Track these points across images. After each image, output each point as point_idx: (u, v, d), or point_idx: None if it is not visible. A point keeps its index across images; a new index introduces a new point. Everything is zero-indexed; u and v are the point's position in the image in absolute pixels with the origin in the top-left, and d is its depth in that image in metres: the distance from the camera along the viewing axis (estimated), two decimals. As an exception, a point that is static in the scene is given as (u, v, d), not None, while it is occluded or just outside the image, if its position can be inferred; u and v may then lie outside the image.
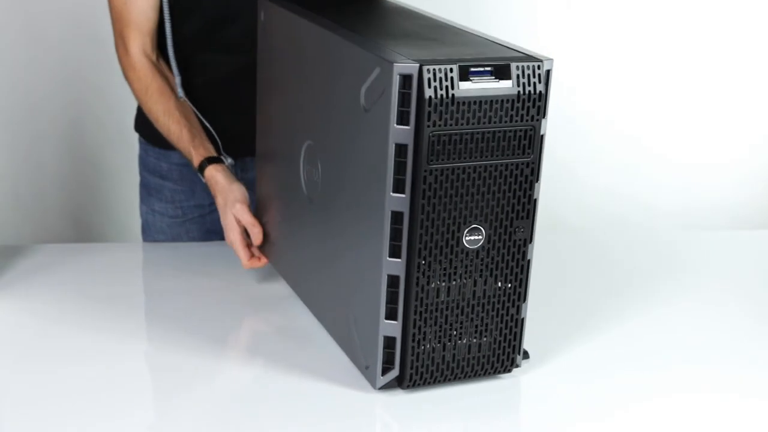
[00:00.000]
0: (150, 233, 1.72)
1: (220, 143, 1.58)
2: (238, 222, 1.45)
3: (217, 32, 1.57)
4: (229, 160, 1.54)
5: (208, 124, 1.58)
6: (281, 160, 1.41)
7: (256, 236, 1.45)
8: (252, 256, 1.46)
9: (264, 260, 1.47)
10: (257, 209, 1.52)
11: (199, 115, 1.58)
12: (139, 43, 1.56)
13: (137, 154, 1.74)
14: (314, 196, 1.30)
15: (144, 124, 1.68)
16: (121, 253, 1.66)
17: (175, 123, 1.54)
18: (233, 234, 1.45)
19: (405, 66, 1.05)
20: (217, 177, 1.48)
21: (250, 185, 1.57)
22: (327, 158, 1.25)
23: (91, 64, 2.49)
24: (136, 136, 1.74)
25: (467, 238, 1.13)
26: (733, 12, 2.81)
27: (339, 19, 1.26)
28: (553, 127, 2.86)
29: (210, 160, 1.50)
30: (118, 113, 2.29)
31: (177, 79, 1.58)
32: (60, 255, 1.59)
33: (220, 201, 1.48)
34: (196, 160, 1.51)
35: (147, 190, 1.71)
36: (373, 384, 1.19)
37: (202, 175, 1.51)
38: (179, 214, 1.69)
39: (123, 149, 2.23)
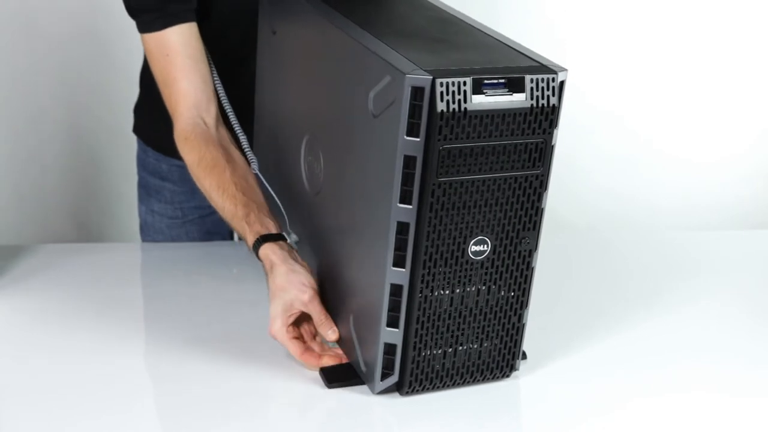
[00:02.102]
0: (149, 234, 1.70)
1: (286, 218, 1.38)
2: (299, 313, 1.24)
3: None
4: (293, 237, 1.33)
5: (273, 194, 1.38)
6: (281, 150, 1.38)
7: (330, 335, 1.23)
8: (306, 349, 1.23)
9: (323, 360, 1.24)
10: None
11: (266, 185, 1.38)
12: (189, 105, 1.39)
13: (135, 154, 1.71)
14: (316, 189, 1.28)
15: (143, 127, 1.64)
16: (121, 253, 1.64)
17: (229, 199, 1.33)
18: (278, 325, 1.22)
19: (417, 78, 1.01)
20: (271, 257, 1.24)
21: None
22: (330, 153, 1.23)
23: (92, 65, 2.45)
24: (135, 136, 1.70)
25: (473, 249, 1.11)
26: (733, 11, 2.77)
27: (345, 8, 1.22)
28: None
29: (266, 238, 1.27)
30: (118, 113, 2.26)
31: (243, 137, 1.40)
32: (60, 255, 1.57)
33: (272, 283, 1.24)
34: (250, 239, 1.28)
35: (146, 191, 1.68)
36: (371, 388, 1.19)
37: (258, 257, 1.28)
38: (179, 215, 1.66)
39: (123, 149, 2.20)
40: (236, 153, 1.40)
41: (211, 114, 1.41)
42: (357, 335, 1.20)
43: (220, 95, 1.41)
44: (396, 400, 1.19)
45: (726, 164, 2.90)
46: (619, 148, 2.86)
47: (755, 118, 2.89)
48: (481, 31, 1.20)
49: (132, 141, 1.71)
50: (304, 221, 1.33)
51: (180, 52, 1.38)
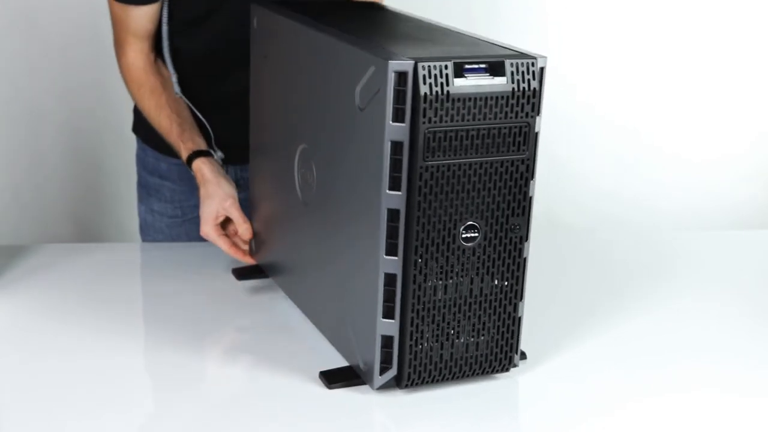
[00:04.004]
0: (149, 233, 1.73)
1: (212, 136, 1.61)
2: (224, 216, 1.48)
3: (221, 50, 1.60)
4: (218, 154, 1.57)
5: (202, 117, 1.60)
6: (275, 165, 1.41)
7: (245, 232, 1.48)
8: (233, 245, 1.49)
9: (248, 258, 1.50)
10: (251, 214, 1.52)
11: (194, 109, 1.61)
12: (137, 48, 1.59)
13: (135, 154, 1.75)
14: (309, 199, 1.30)
15: (142, 126, 1.69)
16: (121, 253, 1.66)
17: (165, 117, 1.57)
18: (208, 227, 1.47)
19: (400, 63, 1.05)
20: (203, 169, 1.51)
21: (248, 185, 1.58)
22: (322, 160, 1.25)
23: (91, 65, 2.50)
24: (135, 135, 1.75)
25: (464, 235, 1.13)
26: (732, 10, 2.82)
27: (332, 21, 1.27)
28: (552, 126, 2.86)
29: (198, 153, 1.53)
30: (118, 113, 2.30)
31: (173, 77, 1.60)
32: (60, 255, 1.59)
33: (203, 192, 1.50)
34: (184, 154, 1.54)
35: (146, 190, 1.72)
36: (371, 384, 1.19)
37: (191, 168, 1.53)
38: (179, 214, 1.69)
39: (123, 149, 2.23)
40: (170, 81, 1.61)
41: (152, 48, 1.61)
42: (355, 335, 1.21)
43: (163, 31, 1.59)
44: (396, 400, 1.19)
45: (726, 165, 2.91)
46: (619, 149, 2.87)
47: (755, 119, 2.90)
48: (462, 33, 1.24)
49: (132, 141, 1.74)
50: (298, 234, 1.35)
51: (139, 22, 1.57)
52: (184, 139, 1.55)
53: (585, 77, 2.75)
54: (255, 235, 1.51)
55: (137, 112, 1.74)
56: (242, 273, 1.49)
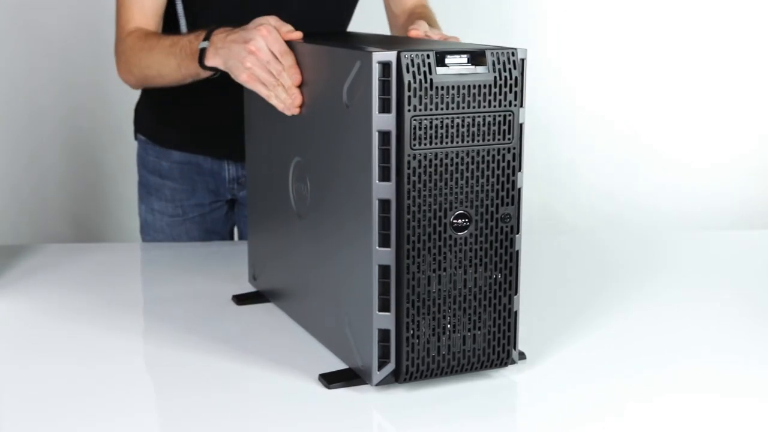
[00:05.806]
0: (149, 233, 1.74)
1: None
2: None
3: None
4: None
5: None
6: (270, 184, 1.44)
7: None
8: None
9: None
10: (249, 239, 1.54)
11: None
12: (142, 23, 1.53)
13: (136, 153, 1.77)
14: (303, 211, 1.32)
15: (144, 123, 1.71)
16: (121, 253, 1.68)
17: (163, 44, 1.46)
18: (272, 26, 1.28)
19: (384, 54, 1.09)
20: (226, 29, 1.35)
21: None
22: (314, 168, 1.28)
23: (92, 65, 2.55)
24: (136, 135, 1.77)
25: (455, 224, 1.15)
26: (734, 12, 2.86)
27: (318, 37, 1.33)
28: (553, 128, 2.90)
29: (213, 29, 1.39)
30: (118, 113, 2.34)
31: None
32: (60, 255, 1.60)
33: (238, 30, 1.32)
34: (201, 35, 1.39)
35: (146, 189, 1.73)
36: (369, 381, 1.19)
37: (211, 38, 1.37)
38: (179, 213, 1.70)
39: (123, 149, 2.27)
40: None
41: (158, 28, 1.54)
42: (353, 333, 1.21)
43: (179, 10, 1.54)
44: (396, 400, 1.19)
45: (726, 166, 2.92)
46: (620, 151, 2.89)
47: (755, 121, 2.92)
48: (440, 41, 1.29)
49: (132, 140, 1.76)
50: (292, 247, 1.37)
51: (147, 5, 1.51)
52: (190, 34, 1.42)
53: (586, 80, 2.79)
54: (254, 261, 1.53)
55: (138, 112, 1.77)
56: (242, 299, 1.50)
